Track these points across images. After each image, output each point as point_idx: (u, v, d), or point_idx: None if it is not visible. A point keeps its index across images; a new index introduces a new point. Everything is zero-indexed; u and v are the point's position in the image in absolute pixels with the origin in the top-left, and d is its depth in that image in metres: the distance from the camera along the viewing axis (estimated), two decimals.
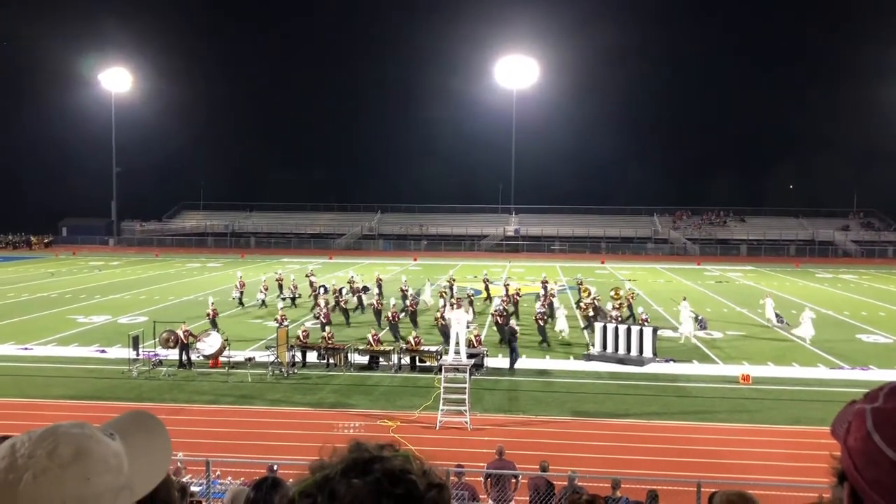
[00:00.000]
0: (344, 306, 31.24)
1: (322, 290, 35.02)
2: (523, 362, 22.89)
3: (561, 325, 27.44)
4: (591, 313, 29.10)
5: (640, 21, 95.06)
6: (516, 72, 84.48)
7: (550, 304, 29.85)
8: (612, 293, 33.07)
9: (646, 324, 25.35)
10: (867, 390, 1.26)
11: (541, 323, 26.17)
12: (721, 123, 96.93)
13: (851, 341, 27.58)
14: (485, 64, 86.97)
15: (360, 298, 34.42)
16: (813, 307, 36.13)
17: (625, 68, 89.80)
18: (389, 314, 26.90)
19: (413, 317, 29.43)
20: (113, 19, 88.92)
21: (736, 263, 65.03)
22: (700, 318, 30.11)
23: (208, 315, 27.60)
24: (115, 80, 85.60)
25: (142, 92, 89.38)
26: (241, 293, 34.91)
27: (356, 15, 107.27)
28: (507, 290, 35.05)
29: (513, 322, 24.80)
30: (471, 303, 31.22)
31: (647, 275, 52.66)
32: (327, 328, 25.33)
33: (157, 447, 1.32)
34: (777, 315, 31.13)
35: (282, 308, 27.92)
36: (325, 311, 27.67)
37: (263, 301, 34.30)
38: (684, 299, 30.02)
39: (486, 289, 38.21)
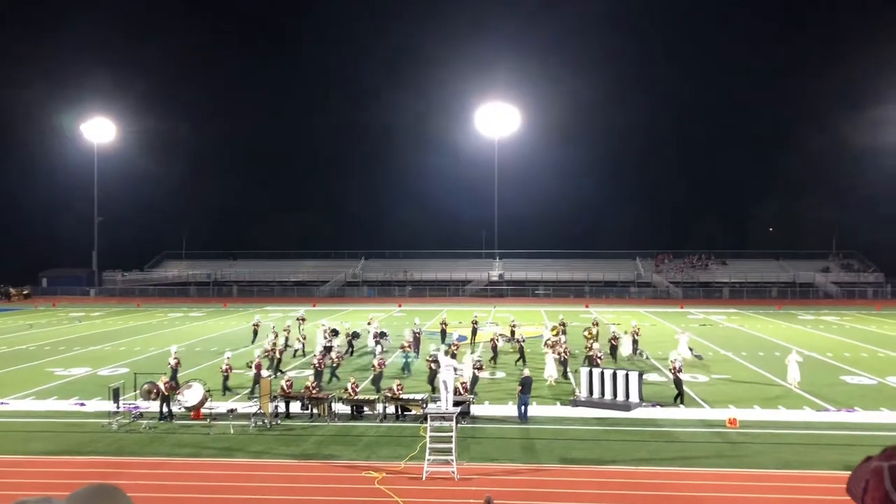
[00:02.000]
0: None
1: (332, 332, 35.01)
2: (510, 409, 22.69)
3: (550, 370, 27.31)
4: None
5: (620, 67, 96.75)
6: (498, 119, 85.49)
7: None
8: (585, 332, 33.40)
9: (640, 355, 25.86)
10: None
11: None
12: (701, 167, 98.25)
13: (836, 383, 27.62)
14: (467, 111, 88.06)
15: (350, 344, 34.66)
16: (797, 349, 36.27)
17: (605, 114, 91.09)
18: (376, 363, 26.59)
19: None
20: (95, 69, 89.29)
21: (719, 306, 65.30)
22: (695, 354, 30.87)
23: (221, 371, 26.41)
24: (98, 130, 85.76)
25: (124, 141, 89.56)
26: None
27: (340, 63, 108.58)
28: (512, 334, 35.53)
29: (526, 370, 23.92)
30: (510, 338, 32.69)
31: (631, 318, 52.65)
32: (320, 376, 25.03)
33: None
34: (691, 350, 31.99)
35: (259, 356, 27.30)
36: (327, 358, 27.51)
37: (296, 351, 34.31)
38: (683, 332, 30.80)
39: (474, 332, 38.26)
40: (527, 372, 22.95)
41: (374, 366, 26.04)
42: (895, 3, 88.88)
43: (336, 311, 58.18)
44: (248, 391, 25.18)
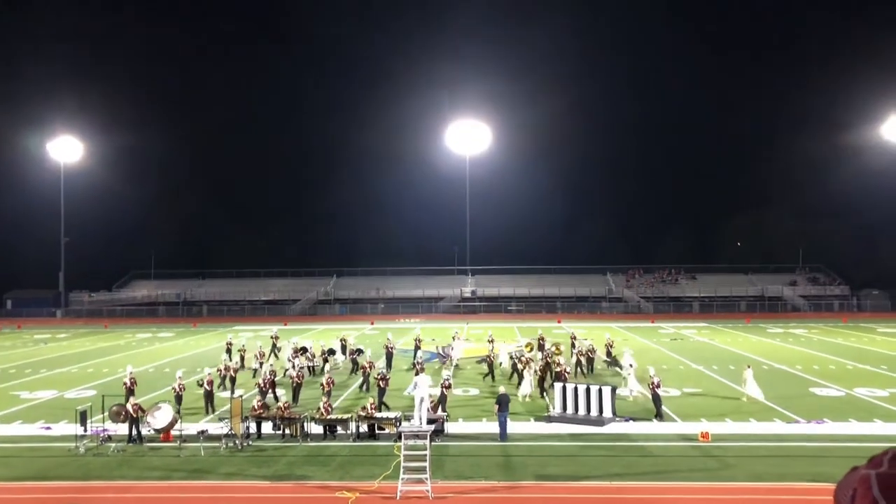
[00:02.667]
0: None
1: (301, 351, 34.84)
2: (484, 426, 22.63)
3: (525, 388, 27.26)
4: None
5: (588, 87, 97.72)
6: (469, 136, 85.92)
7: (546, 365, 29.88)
8: (553, 348, 33.43)
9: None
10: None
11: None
12: (669, 183, 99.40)
13: (805, 395, 27.95)
14: (438, 129, 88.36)
15: (354, 361, 34.28)
16: (766, 362, 36.72)
17: (574, 131, 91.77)
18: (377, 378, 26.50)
19: (367, 380, 29.02)
20: (62, 87, 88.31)
21: (689, 320, 65.91)
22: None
23: (174, 389, 26.09)
24: (64, 149, 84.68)
25: (91, 160, 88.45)
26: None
27: (307, 80, 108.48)
28: (542, 344, 36.43)
29: (502, 387, 23.70)
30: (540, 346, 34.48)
31: (603, 333, 52.93)
32: (282, 397, 24.79)
33: None
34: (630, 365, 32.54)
35: (209, 373, 27.01)
36: (298, 372, 27.18)
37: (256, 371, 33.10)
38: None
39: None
40: (502, 389, 22.84)
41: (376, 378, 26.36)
42: (860, 21, 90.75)
43: (308, 330, 57.74)
44: (218, 411, 24.88)
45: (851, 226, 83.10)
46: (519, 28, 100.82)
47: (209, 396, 25.73)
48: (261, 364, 33.41)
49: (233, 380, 29.32)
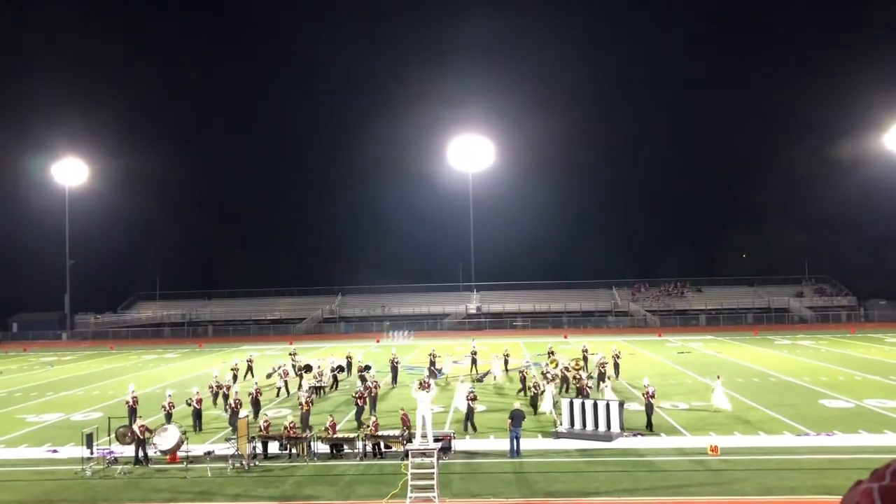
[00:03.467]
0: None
1: (306, 370, 35.13)
2: (491, 443, 22.52)
3: (547, 405, 27.12)
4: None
5: (591, 101, 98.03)
6: (472, 152, 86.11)
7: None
8: (573, 362, 32.90)
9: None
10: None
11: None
12: (674, 196, 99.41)
13: (814, 407, 27.77)
14: (441, 145, 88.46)
15: (362, 377, 34.35)
16: (774, 374, 36.54)
17: (578, 146, 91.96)
18: (372, 385, 26.54)
19: (374, 400, 28.89)
20: (66, 110, 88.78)
21: (696, 333, 65.66)
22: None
23: (163, 408, 26.47)
24: (68, 171, 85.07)
25: (95, 182, 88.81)
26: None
27: (311, 99, 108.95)
28: (506, 363, 36.35)
29: (517, 403, 23.69)
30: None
31: (609, 347, 52.73)
32: (288, 416, 24.68)
33: None
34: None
35: (196, 392, 27.07)
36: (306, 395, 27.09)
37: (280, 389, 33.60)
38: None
39: (473, 363, 39.47)
40: (517, 405, 22.70)
41: (368, 388, 26.40)
42: (864, 30, 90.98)
43: (314, 348, 57.62)
44: (224, 430, 24.83)
45: (857, 236, 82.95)
46: (522, 43, 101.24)
47: (197, 415, 26.00)
48: (285, 383, 33.55)
49: (225, 397, 28.97)
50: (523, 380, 31.47)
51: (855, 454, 20.36)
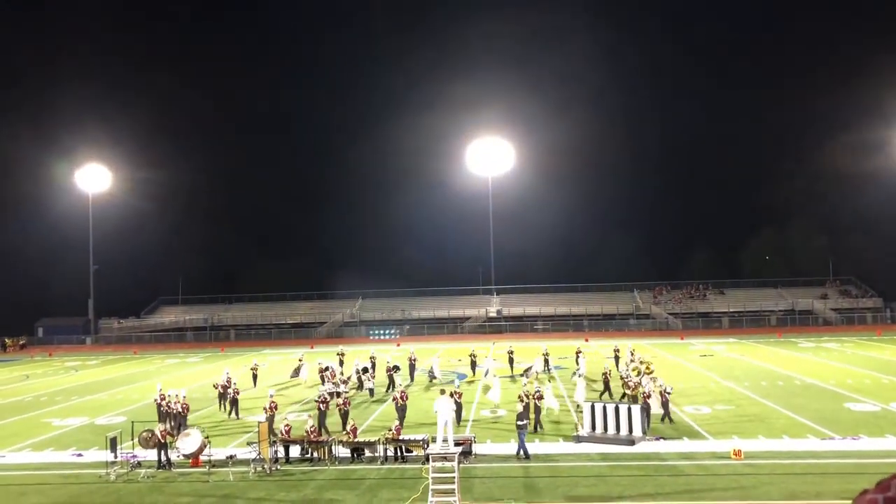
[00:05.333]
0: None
1: (363, 371, 35.49)
2: (512, 447, 22.42)
3: (580, 396, 27.33)
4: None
5: (613, 103, 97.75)
6: (492, 155, 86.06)
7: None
8: (644, 367, 31.80)
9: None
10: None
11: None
12: (696, 198, 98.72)
13: (840, 411, 27.41)
14: (461, 149, 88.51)
15: (391, 378, 35.24)
16: (799, 377, 36.13)
17: (599, 148, 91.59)
18: (397, 394, 26.45)
19: (403, 410, 28.91)
20: (89, 115, 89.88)
21: (719, 336, 65.11)
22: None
23: (155, 401, 27.24)
24: (92, 178, 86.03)
25: (118, 188, 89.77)
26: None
27: (332, 104, 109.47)
28: (546, 363, 39.05)
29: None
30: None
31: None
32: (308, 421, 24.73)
33: None
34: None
35: (272, 396, 27.08)
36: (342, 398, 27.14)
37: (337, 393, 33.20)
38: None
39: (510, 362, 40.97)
40: (520, 407, 22.87)
41: (395, 398, 26.44)
42: (889, 31, 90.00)
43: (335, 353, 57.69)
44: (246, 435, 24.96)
45: (882, 237, 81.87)
46: (544, 44, 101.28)
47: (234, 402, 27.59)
48: (335, 384, 33.34)
49: (234, 401, 29.45)
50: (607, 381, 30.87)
51: (881, 458, 20.07)
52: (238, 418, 29.08)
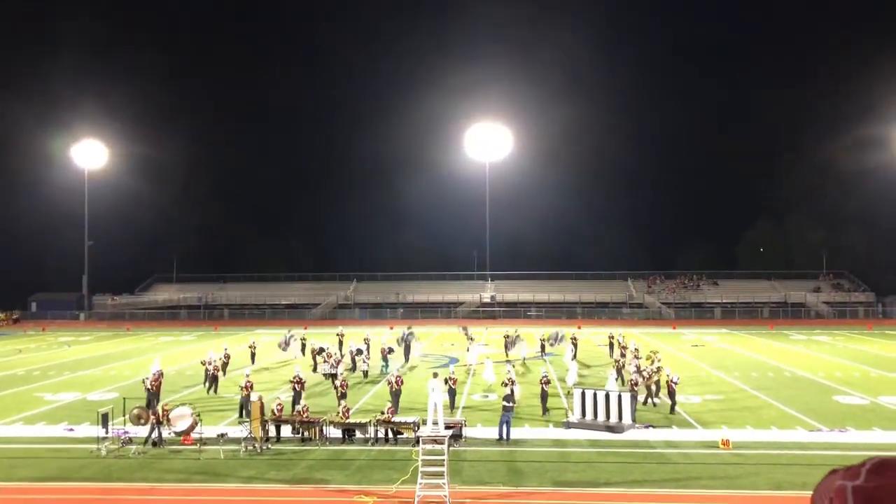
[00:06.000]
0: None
1: (357, 352, 35.73)
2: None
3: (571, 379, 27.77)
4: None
5: (611, 91, 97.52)
6: (489, 141, 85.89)
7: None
8: (654, 357, 31.60)
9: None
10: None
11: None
12: (692, 188, 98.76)
13: (828, 403, 27.62)
14: (458, 134, 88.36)
15: (385, 359, 36.36)
16: (789, 369, 36.36)
17: (596, 136, 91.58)
18: (392, 380, 26.52)
19: (397, 396, 29.03)
20: (86, 91, 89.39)
21: (711, 327, 65.36)
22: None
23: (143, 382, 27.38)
24: (88, 153, 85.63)
25: (115, 165, 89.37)
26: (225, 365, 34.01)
27: (330, 86, 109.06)
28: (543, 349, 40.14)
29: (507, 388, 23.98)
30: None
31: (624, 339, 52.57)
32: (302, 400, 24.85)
33: None
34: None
35: (248, 375, 27.20)
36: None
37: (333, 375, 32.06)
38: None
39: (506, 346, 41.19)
40: (508, 390, 23.21)
41: (390, 382, 26.51)
42: (887, 27, 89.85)
43: (328, 334, 57.83)
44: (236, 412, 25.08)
45: (876, 232, 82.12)
46: (541, 30, 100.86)
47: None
48: (332, 366, 33.29)
49: (213, 378, 30.28)
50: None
51: (868, 451, 20.24)
52: (216, 394, 29.80)
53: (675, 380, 26.12)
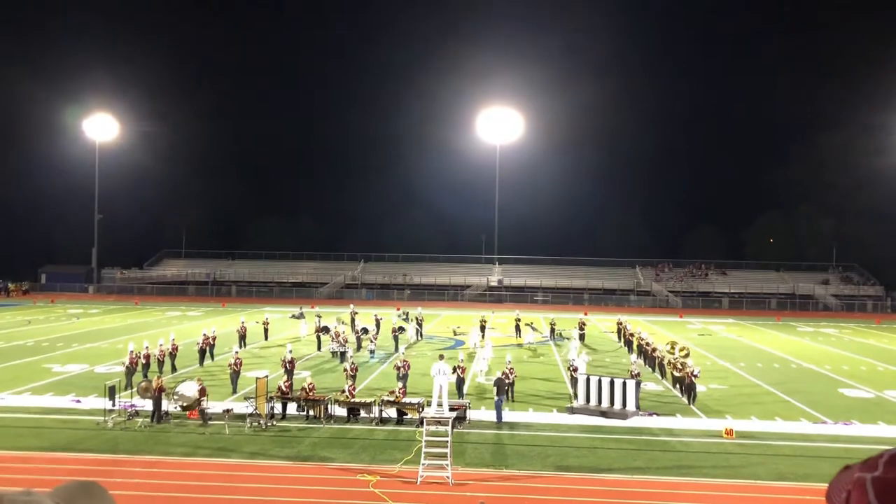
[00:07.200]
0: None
1: (324, 331, 35.95)
2: (506, 415, 22.63)
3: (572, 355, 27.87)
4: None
5: (622, 77, 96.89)
6: (500, 124, 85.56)
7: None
8: (679, 351, 31.43)
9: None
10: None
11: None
12: (702, 177, 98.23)
13: (834, 395, 27.58)
14: (469, 116, 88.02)
15: (395, 338, 36.90)
16: (795, 361, 36.30)
17: (606, 123, 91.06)
18: (401, 363, 26.55)
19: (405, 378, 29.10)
20: (98, 65, 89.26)
21: (718, 316, 65.27)
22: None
23: (122, 362, 27.47)
24: (99, 127, 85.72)
25: (126, 139, 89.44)
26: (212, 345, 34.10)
27: (342, 68, 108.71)
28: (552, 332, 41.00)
29: (500, 372, 24.44)
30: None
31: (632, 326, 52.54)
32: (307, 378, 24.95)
33: None
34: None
35: (237, 352, 27.46)
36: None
37: (341, 353, 32.96)
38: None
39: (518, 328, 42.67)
40: (499, 374, 23.83)
41: (397, 367, 26.55)
42: (889, 12, 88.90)
43: (335, 313, 58.03)
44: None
45: (887, 225, 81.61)
46: (554, 14, 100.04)
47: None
48: (340, 344, 33.62)
49: (202, 351, 31.98)
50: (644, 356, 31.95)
51: (872, 444, 20.22)
52: (202, 367, 30.92)
53: (695, 372, 25.90)
